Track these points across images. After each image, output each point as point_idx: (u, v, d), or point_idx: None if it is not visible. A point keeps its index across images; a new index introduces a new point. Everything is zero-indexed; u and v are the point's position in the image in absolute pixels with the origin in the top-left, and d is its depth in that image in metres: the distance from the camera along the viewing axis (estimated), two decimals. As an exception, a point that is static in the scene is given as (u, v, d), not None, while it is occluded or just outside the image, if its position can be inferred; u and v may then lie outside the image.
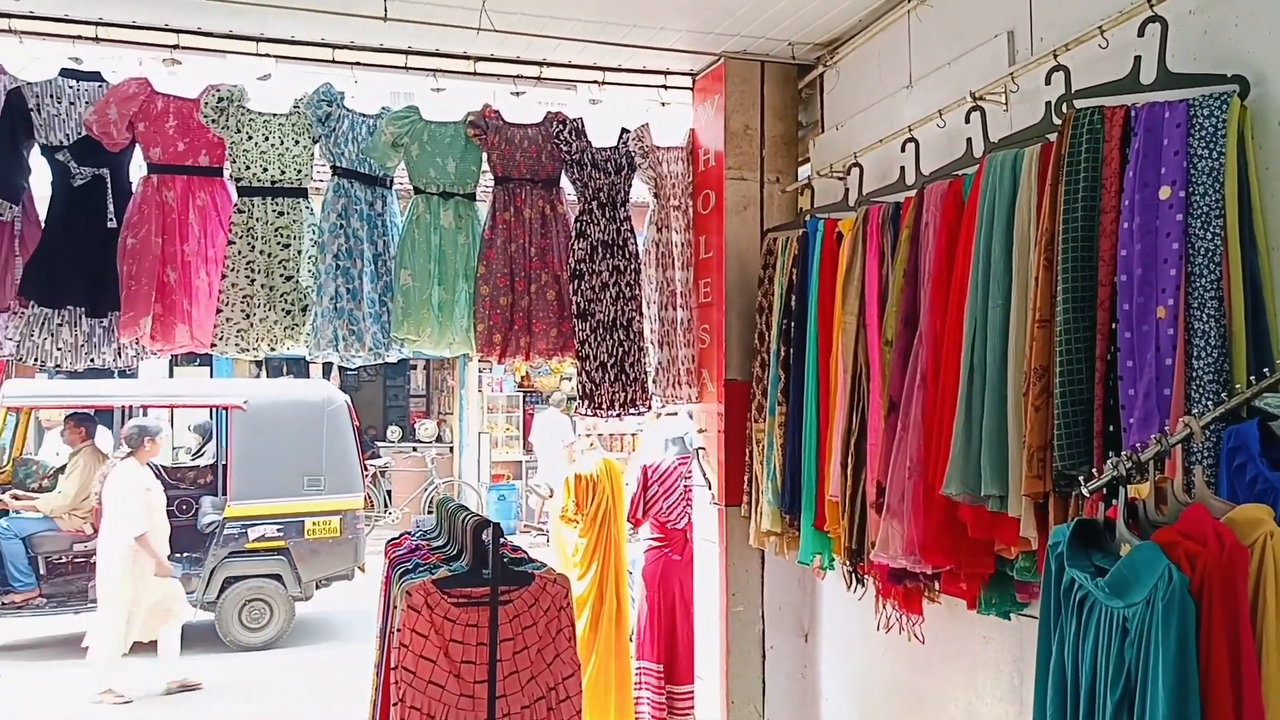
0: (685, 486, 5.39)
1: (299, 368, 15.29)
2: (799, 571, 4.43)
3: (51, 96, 3.97)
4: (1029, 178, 2.70)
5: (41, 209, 4.02)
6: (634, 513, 5.62)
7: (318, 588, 8.85)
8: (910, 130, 3.53)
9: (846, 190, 3.95)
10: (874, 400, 3.32)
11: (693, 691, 4.99)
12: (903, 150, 3.55)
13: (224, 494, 8.81)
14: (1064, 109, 2.65)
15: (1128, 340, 2.33)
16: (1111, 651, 1.72)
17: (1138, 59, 2.53)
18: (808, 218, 4.03)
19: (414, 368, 17.65)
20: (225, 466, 8.93)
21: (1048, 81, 2.88)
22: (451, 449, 15.44)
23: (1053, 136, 2.67)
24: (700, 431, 4.78)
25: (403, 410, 18.14)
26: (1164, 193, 2.29)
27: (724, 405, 4.52)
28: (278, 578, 8.63)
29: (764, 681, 4.58)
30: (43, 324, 3.93)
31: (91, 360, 4.03)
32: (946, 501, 2.83)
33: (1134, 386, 2.31)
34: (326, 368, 15.25)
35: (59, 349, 3.95)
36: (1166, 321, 2.26)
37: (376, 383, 18.69)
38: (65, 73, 4.04)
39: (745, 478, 4.33)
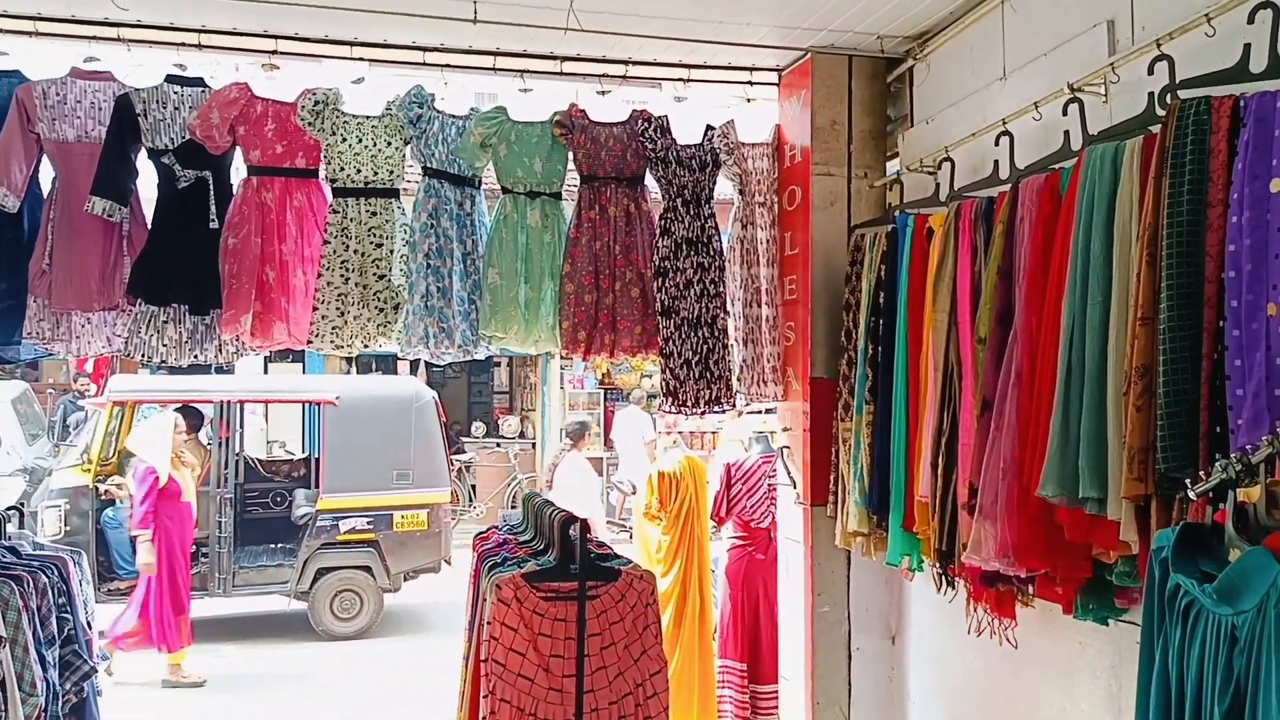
0: (769, 485, 5.36)
1: (387, 364, 15.63)
2: (886, 572, 4.38)
3: (157, 102, 4.12)
4: (1130, 171, 2.62)
5: (148, 211, 4.18)
6: (717, 511, 5.61)
7: (406, 580, 9.03)
8: (1004, 123, 3.45)
9: (937, 185, 3.88)
10: (966, 399, 3.26)
11: (777, 691, 4.97)
12: (996, 144, 3.48)
13: (317, 487, 9.04)
14: (1168, 99, 2.57)
15: (1236, 338, 2.24)
16: (1219, 660, 1.67)
17: (1247, 46, 2.44)
18: (897, 213, 3.98)
19: (498, 365, 17.88)
20: (318, 460, 9.17)
21: (1150, 71, 2.79)
22: (534, 445, 15.61)
23: (1156, 128, 2.59)
24: (784, 430, 4.75)
25: (486, 406, 18.39)
26: (1275, 185, 2.21)
27: (809, 403, 4.48)
28: (367, 569, 8.82)
29: (850, 683, 4.53)
30: (149, 321, 4.08)
31: (195, 356, 4.18)
32: (1042, 503, 2.77)
33: (1242, 386, 2.22)
34: (414, 364, 15.57)
35: (164, 345, 4.10)
36: (1278, 319, 2.17)
37: (461, 379, 18.97)
38: (170, 79, 4.19)
39: (831, 477, 4.29)
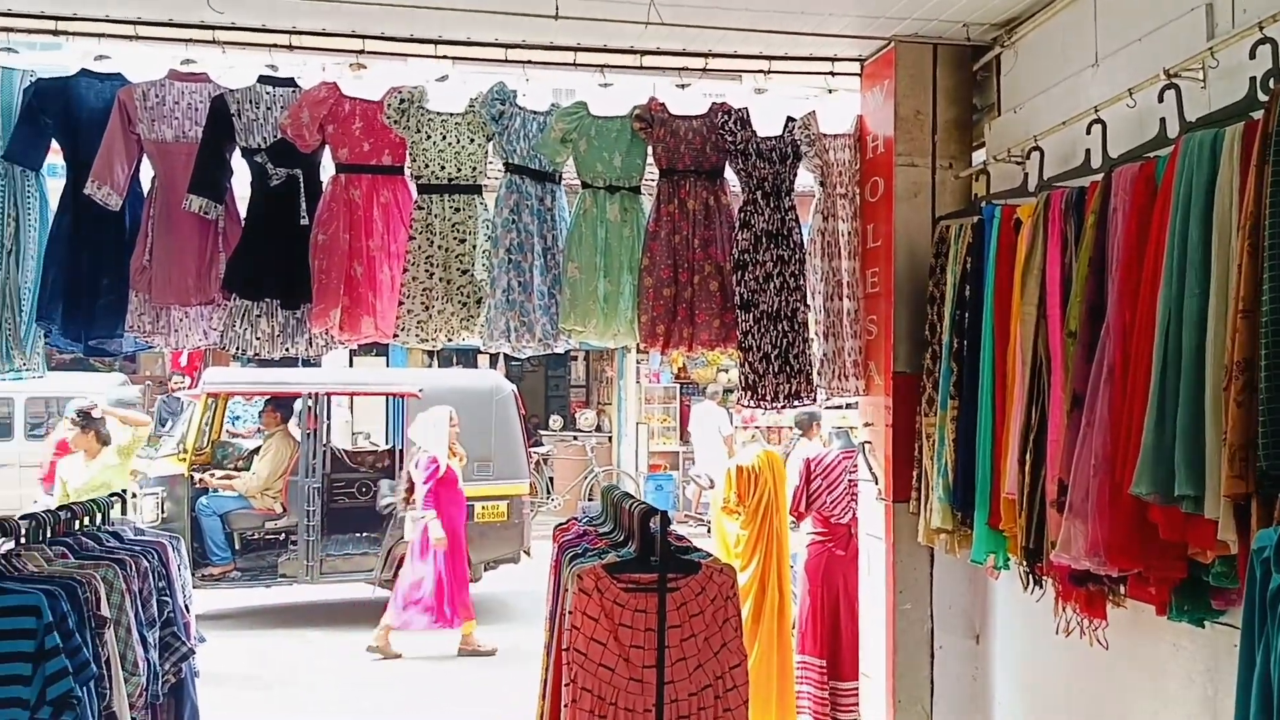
0: (850, 481, 5.31)
1: (468, 358, 15.85)
2: (970, 570, 4.31)
3: (250, 102, 4.25)
4: (1231, 158, 2.53)
5: (242, 208, 4.31)
6: (796, 506, 5.57)
7: (486, 569, 9.15)
8: (1096, 111, 3.37)
9: (1025, 175, 3.80)
10: (1055, 394, 3.19)
11: (857, 688, 4.92)
12: (1088, 132, 3.39)
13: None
14: (1271, 84, 2.48)
15: (1345, 331, 2.16)
16: (1328, 665, 1.61)
17: (1358, 27, 2.34)
18: (983, 204, 3.90)
19: (574, 359, 18.01)
20: (402, 451, 9.34)
21: (1252, 55, 2.69)
22: (610, 438, 15.70)
23: (1257, 114, 2.50)
24: (866, 425, 4.70)
25: (563, 400, 18.55)
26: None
27: (892, 398, 4.43)
28: None
29: (932, 682, 4.46)
30: (243, 315, 4.22)
31: (286, 349, 4.30)
32: (1135, 501, 2.70)
33: (1352, 381, 2.14)
34: (494, 358, 15.78)
35: (258, 339, 4.23)
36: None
37: (539, 373, 19.17)
38: (263, 79, 4.32)
39: (914, 473, 4.23)
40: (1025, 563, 3.39)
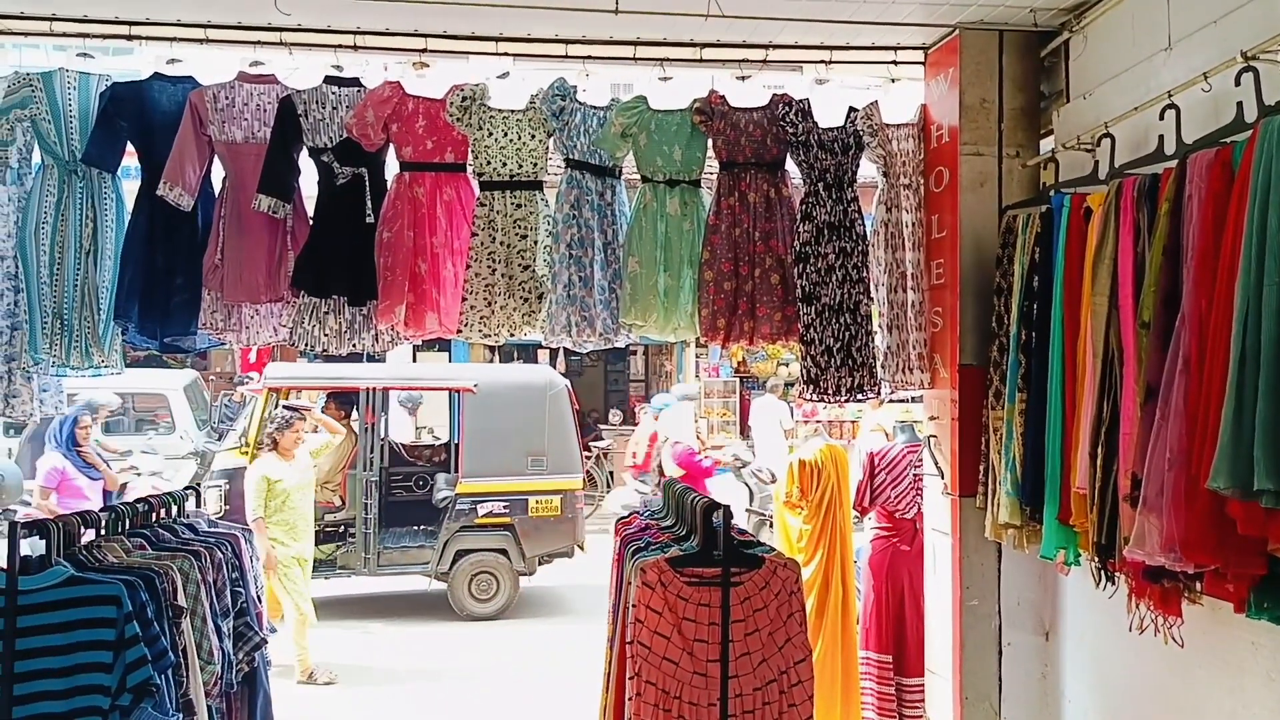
0: (915, 475, 5.25)
1: (528, 353, 15.97)
2: (1039, 566, 4.23)
3: (317, 103, 4.32)
4: (1314, 142, 2.45)
5: (309, 206, 4.39)
6: (860, 500, 5.52)
7: (541, 564, 9.21)
8: (1170, 96, 3.27)
9: (1096, 163, 3.71)
10: (1128, 386, 3.11)
11: (923, 685, 4.86)
12: (1160, 118, 3.30)
13: (456, 471, 9.32)
14: (1358, 64, 2.39)
15: None
16: None
17: None
18: (1052, 193, 3.82)
19: (634, 353, 18.06)
20: (458, 446, 9.45)
21: (1336, 35, 2.59)
22: (670, 433, 15.70)
23: (1343, 95, 2.41)
24: (931, 419, 4.64)
25: (623, 394, 18.60)
26: None
27: (958, 391, 4.36)
28: (504, 552, 9.02)
29: (1000, 679, 4.39)
30: (312, 312, 4.29)
31: (353, 345, 4.37)
32: (1212, 496, 2.62)
33: None
34: (554, 353, 15.88)
35: (325, 335, 4.31)
36: None
37: (598, 367, 19.26)
38: (328, 80, 4.39)
39: (981, 467, 4.17)
40: (1097, 558, 3.32)
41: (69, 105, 4.22)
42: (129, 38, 4.39)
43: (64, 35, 4.40)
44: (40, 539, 3.10)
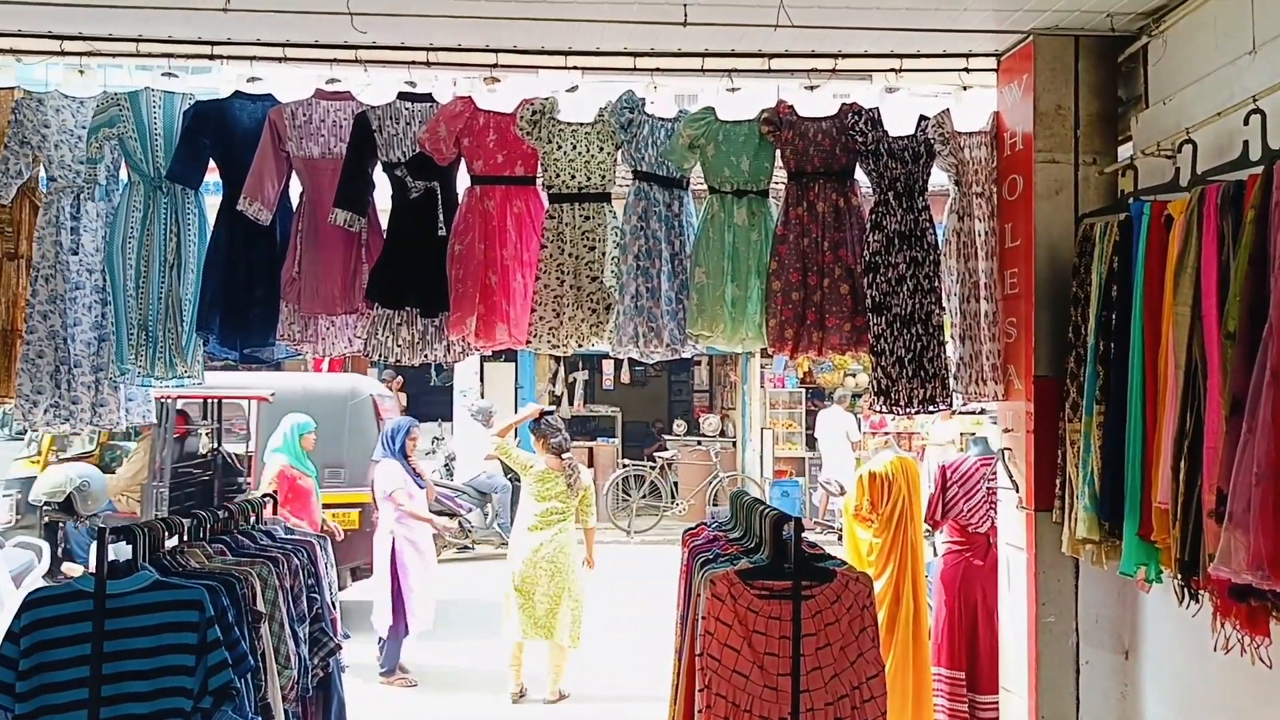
0: (988, 489, 5.15)
1: (593, 362, 15.99)
2: (1118, 582, 4.12)
3: (391, 118, 4.40)
4: None
5: (383, 220, 4.47)
6: (932, 514, 5.43)
7: (356, 579, 8.60)
8: (1254, 100, 3.19)
9: (1177, 169, 3.62)
10: (1212, 399, 3.03)
11: (997, 703, 4.77)
12: (1245, 123, 3.21)
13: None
14: None
15: None
16: None
17: None
18: (1131, 200, 3.73)
19: (697, 363, 18.02)
20: (252, 455, 8.94)
21: None
22: (735, 444, 15.64)
23: None
24: (1005, 431, 4.55)
25: (687, 405, 18.57)
26: None
27: (1033, 403, 4.28)
28: None
29: (1078, 699, 4.29)
30: (385, 324, 4.37)
31: (425, 356, 4.44)
32: (1304, 513, 2.53)
33: None
34: (618, 362, 15.94)
35: (398, 346, 4.38)
36: None
37: (661, 378, 19.27)
38: (402, 96, 4.47)
39: (1057, 481, 4.08)
40: (1180, 576, 3.23)
41: (154, 123, 4.36)
42: (211, 57, 4.53)
43: (149, 55, 4.56)
44: (127, 544, 3.20)
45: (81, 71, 4.52)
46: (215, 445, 9.72)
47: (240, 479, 9.64)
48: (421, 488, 7.39)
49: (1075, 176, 4.32)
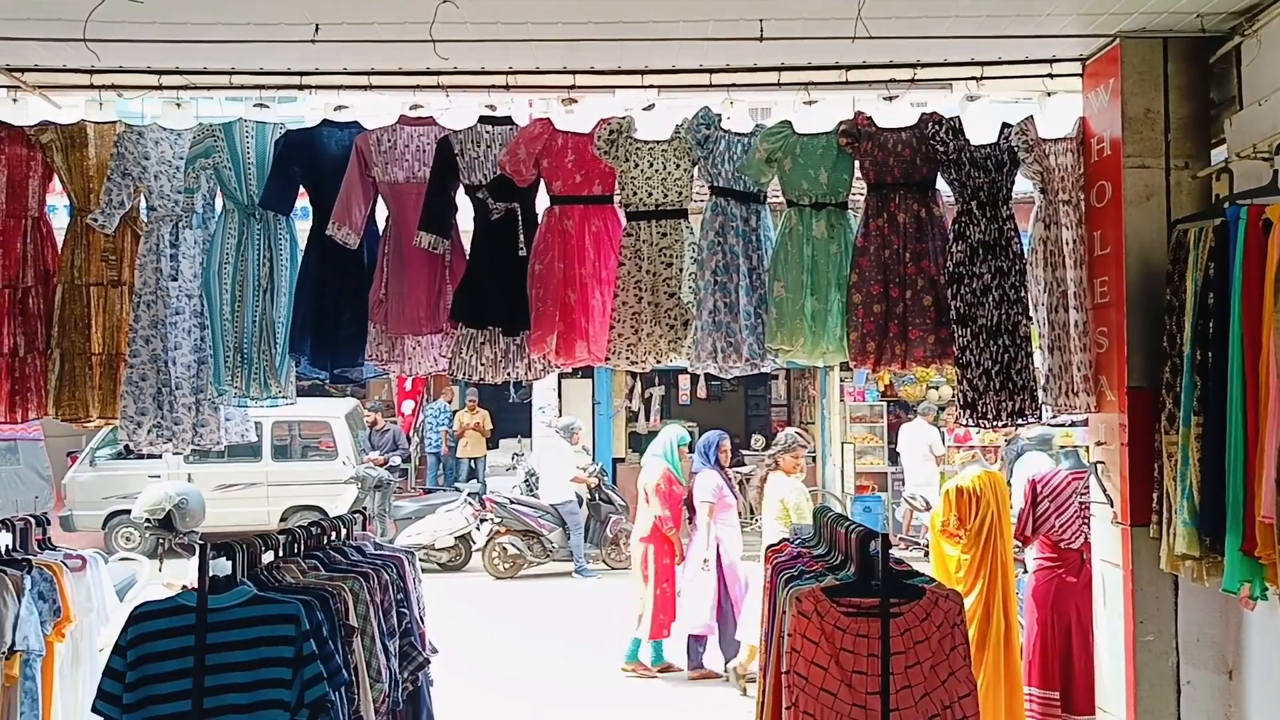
0: (1081, 503, 5.01)
1: (670, 378, 15.99)
2: (1221, 599, 3.97)
3: (472, 142, 4.49)
4: None
5: (465, 242, 4.56)
6: (1022, 529, 5.30)
7: None
8: (1359, 98, 3.07)
9: (1275, 172, 3.50)
10: (1320, 409, 2.91)
11: (1093, 723, 4.63)
12: (1349, 122, 3.09)
13: None
14: None
15: None
16: None
17: None
18: (1226, 205, 3.62)
19: (775, 377, 17.87)
20: None
21: None
22: (814, 458, 15.46)
23: None
24: (1098, 444, 4.43)
25: (764, 419, 18.42)
26: None
27: (1126, 415, 4.16)
28: None
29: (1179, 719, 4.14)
30: (469, 343, 4.45)
31: (507, 374, 4.51)
32: None
33: None
34: (695, 377, 15.88)
35: (482, 364, 4.46)
36: None
37: (738, 392, 19.16)
38: (483, 119, 4.55)
39: (1154, 495, 3.96)
40: (1288, 593, 3.10)
41: (247, 153, 4.51)
42: (300, 87, 4.68)
43: (241, 87, 4.72)
44: (225, 560, 3.30)
45: (179, 105, 4.70)
46: None
47: None
48: (737, 497, 7.61)
49: (1166, 181, 4.20)
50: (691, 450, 8.16)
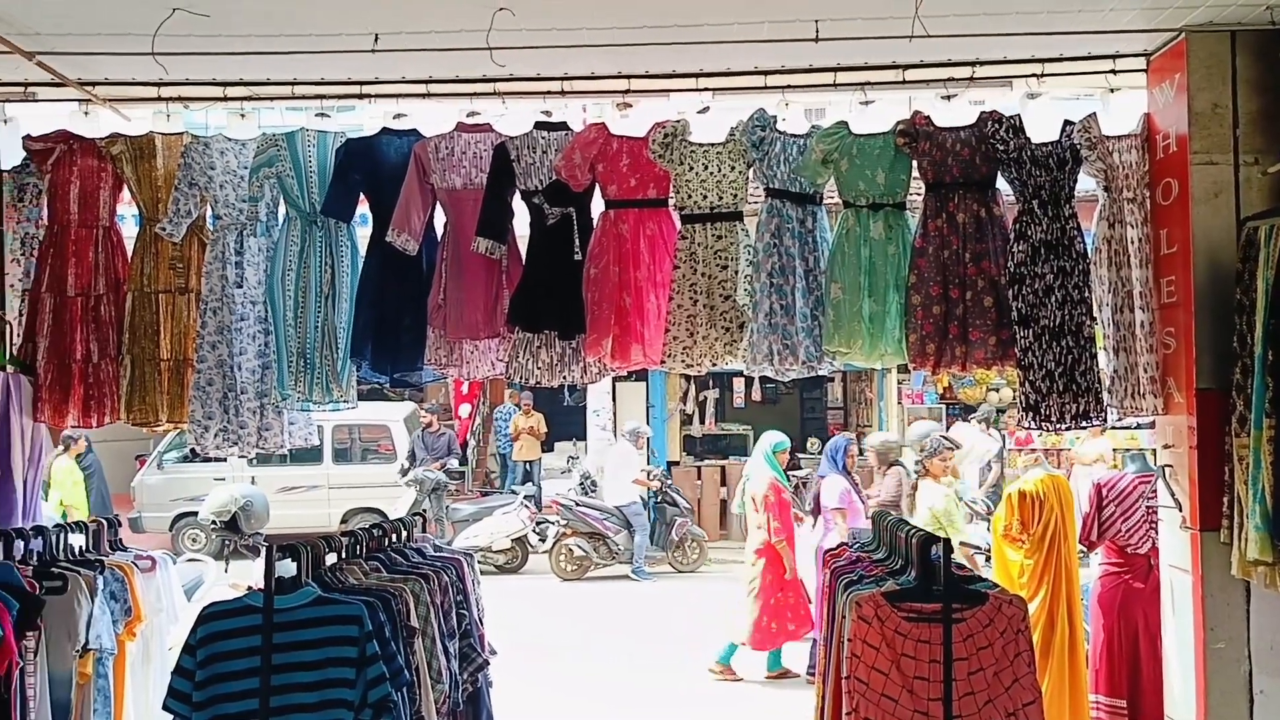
0: (1148, 508, 4.90)
1: (724, 380, 15.92)
2: (1296, 607, 3.86)
3: (528, 148, 4.52)
4: None
5: (522, 247, 4.59)
6: (1087, 534, 5.19)
7: None
8: None
9: (1351, 166, 3.40)
10: (1402, 411, 2.82)
11: (1162, 733, 4.52)
12: None
13: None
14: None
15: None
16: None
17: None
18: (1300, 201, 3.52)
19: (831, 380, 17.73)
20: None
21: None
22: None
23: None
24: (1166, 447, 4.33)
25: (820, 422, 18.27)
26: None
27: (1195, 417, 4.06)
28: None
29: (1252, 730, 4.03)
30: (526, 346, 4.48)
31: (563, 377, 4.54)
32: None
33: None
34: (749, 380, 15.84)
35: (539, 368, 4.49)
36: None
37: (794, 395, 19.02)
38: (539, 125, 4.59)
39: (1224, 499, 3.86)
40: (1369, 601, 3.01)
41: (309, 161, 4.59)
42: (360, 96, 4.75)
43: (303, 97, 4.82)
44: (291, 561, 3.36)
45: (243, 115, 4.80)
46: None
47: None
48: (864, 501, 7.56)
49: (1235, 178, 4.10)
50: (790, 454, 8.08)
